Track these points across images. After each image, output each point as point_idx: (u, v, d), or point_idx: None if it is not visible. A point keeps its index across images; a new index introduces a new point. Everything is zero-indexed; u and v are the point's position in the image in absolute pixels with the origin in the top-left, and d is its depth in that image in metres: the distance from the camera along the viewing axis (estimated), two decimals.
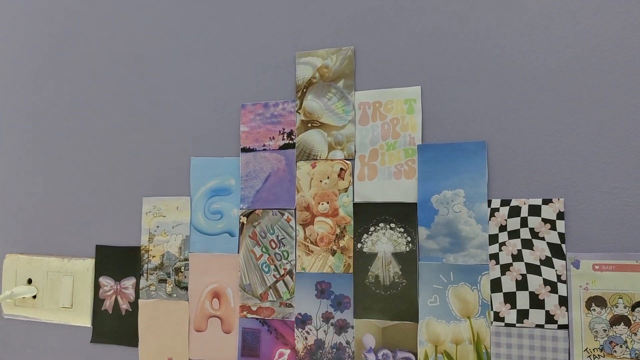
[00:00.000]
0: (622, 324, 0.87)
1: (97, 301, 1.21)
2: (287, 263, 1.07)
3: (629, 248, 0.87)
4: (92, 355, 1.20)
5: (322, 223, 1.05)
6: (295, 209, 1.07)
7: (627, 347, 0.86)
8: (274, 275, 1.08)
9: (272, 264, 1.08)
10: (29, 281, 1.26)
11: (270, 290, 1.08)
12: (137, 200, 1.19)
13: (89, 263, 1.22)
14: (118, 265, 1.20)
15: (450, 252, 0.96)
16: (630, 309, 0.87)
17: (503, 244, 0.93)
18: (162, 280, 1.16)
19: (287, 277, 1.07)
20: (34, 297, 1.25)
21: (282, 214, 1.08)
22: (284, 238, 1.08)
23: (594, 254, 0.88)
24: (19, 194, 1.30)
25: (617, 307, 0.87)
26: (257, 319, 1.08)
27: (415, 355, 0.97)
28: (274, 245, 1.08)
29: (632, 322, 0.86)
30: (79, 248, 1.23)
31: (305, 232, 1.06)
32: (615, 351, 0.87)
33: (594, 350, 0.88)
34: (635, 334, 0.86)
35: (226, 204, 1.12)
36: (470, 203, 0.96)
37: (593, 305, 0.88)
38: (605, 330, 0.87)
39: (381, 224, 1.01)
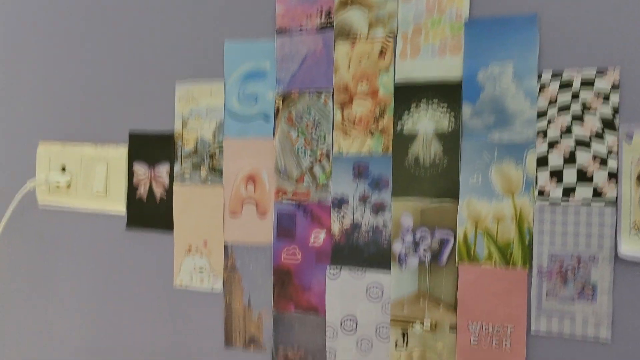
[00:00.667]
0: None
1: (132, 188, 1.20)
2: (324, 146, 1.05)
3: None
4: (127, 241, 1.21)
5: (360, 104, 1.02)
6: (332, 90, 1.04)
7: None
8: (310, 158, 1.06)
9: (308, 148, 1.06)
10: (63, 169, 1.26)
11: (306, 173, 1.06)
12: (170, 86, 1.16)
13: (123, 150, 1.21)
14: (152, 151, 1.18)
15: (495, 129, 0.93)
16: None
17: (552, 119, 0.90)
18: (196, 166, 1.14)
19: (324, 161, 1.05)
20: (69, 186, 1.25)
21: (319, 96, 1.05)
22: (320, 121, 1.05)
23: None
24: (52, 81, 1.28)
25: None
26: (292, 202, 1.07)
27: (455, 233, 0.96)
28: (310, 128, 1.06)
29: None
30: (112, 135, 1.22)
31: (343, 113, 1.03)
32: None
33: None
34: None
35: (261, 88, 1.09)
36: (519, 78, 0.91)
37: None
38: None
39: (423, 103, 0.98)
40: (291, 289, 1.07)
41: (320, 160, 1.05)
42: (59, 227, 1.27)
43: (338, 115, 1.03)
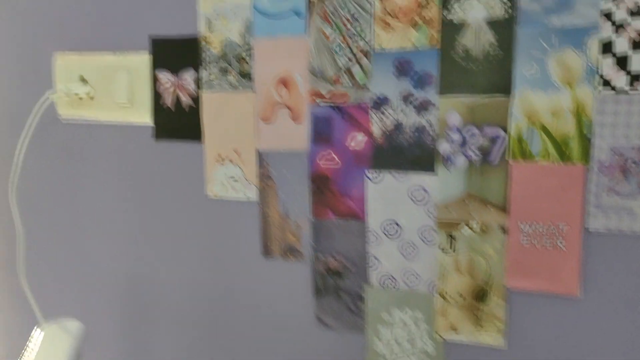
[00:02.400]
0: None
1: (157, 97, 1.13)
2: (363, 42, 0.96)
3: None
4: (155, 153, 1.15)
5: None
6: None
7: None
8: (347, 56, 0.97)
9: (346, 44, 0.97)
10: (82, 80, 1.18)
11: (344, 73, 0.98)
12: None
13: (144, 57, 1.12)
14: (176, 57, 1.10)
15: (554, 12, 0.84)
16: None
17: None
18: (224, 71, 1.06)
19: (363, 58, 0.96)
20: (91, 97, 1.18)
21: None
22: (358, 14, 0.95)
23: None
24: None
25: None
26: (329, 105, 1.00)
27: (506, 130, 0.89)
28: (347, 23, 0.96)
29: None
30: (132, 42, 1.13)
31: (383, 4, 0.94)
32: None
33: None
34: None
35: None
36: None
37: None
38: None
39: None
40: (329, 195, 1.02)
41: (358, 58, 0.97)
42: (83, 141, 1.21)
43: (378, 6, 0.94)
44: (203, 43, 1.07)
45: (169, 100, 1.12)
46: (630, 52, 0.81)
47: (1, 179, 1.29)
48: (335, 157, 1.01)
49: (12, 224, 1.22)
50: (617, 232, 0.85)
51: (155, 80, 1.12)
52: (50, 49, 1.20)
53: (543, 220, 0.89)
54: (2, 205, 1.30)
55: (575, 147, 0.85)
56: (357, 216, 1.01)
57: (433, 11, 0.90)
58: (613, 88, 0.82)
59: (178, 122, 1.11)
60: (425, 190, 0.95)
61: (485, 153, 0.91)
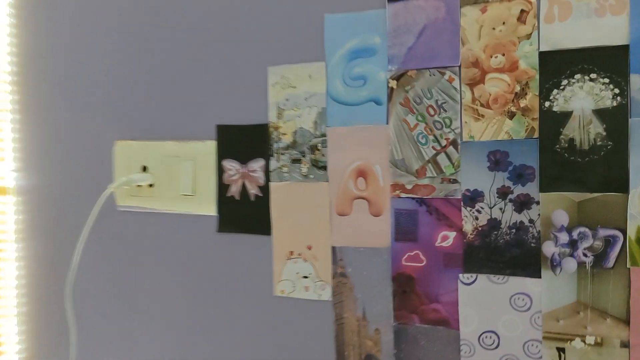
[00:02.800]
0: None
1: (222, 187, 1.06)
2: (450, 132, 0.88)
3: None
4: (219, 246, 1.07)
5: (495, 80, 0.84)
6: (459, 66, 0.86)
7: None
8: (433, 147, 0.89)
9: (431, 134, 0.89)
10: (144, 169, 1.13)
11: (429, 164, 0.90)
12: (261, 71, 1.01)
13: (210, 145, 1.06)
14: (243, 146, 1.04)
15: None
16: None
17: None
18: (296, 160, 0.99)
19: (451, 148, 0.88)
20: (151, 185, 1.12)
21: (443, 74, 0.88)
22: (445, 102, 0.88)
23: None
24: (128, 74, 1.14)
25: None
26: (413, 198, 0.91)
27: (624, 232, 0.78)
28: (432, 112, 0.89)
29: None
30: (197, 130, 1.08)
31: (473, 93, 0.86)
32: None
33: None
34: None
35: (370, 67, 0.93)
36: None
37: None
38: None
39: (577, 76, 0.80)
40: (414, 298, 0.92)
41: (445, 149, 0.88)
42: (142, 232, 1.14)
43: (467, 96, 0.86)
44: (273, 131, 1.01)
45: (235, 190, 1.05)
46: None
47: (59, 276, 1.22)
48: (421, 255, 0.91)
49: (65, 322, 1.15)
50: None
51: (221, 169, 1.06)
52: (112, 138, 1.16)
53: None
54: (57, 301, 1.23)
55: None
56: (447, 323, 0.90)
57: (531, 100, 0.82)
58: None
59: (244, 214, 1.04)
60: (528, 297, 0.84)
61: (599, 256, 0.80)
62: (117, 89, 1.15)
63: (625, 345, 0.79)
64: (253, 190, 1.03)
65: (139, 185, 1.12)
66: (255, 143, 1.02)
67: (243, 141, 1.04)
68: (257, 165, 1.03)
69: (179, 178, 1.09)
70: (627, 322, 0.78)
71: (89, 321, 1.20)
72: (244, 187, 1.04)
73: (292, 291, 1.01)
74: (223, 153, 1.06)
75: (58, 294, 1.21)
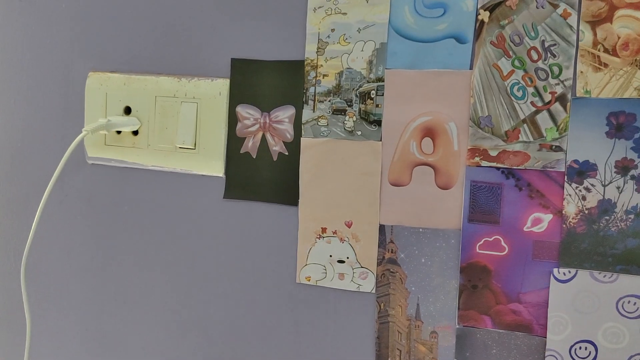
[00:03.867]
0: None
1: (234, 140, 0.81)
2: (558, 84, 0.67)
3: None
4: (226, 216, 0.82)
5: (628, 19, 0.64)
6: None
7: None
8: (532, 102, 0.68)
9: (531, 86, 0.68)
10: (127, 110, 0.86)
11: (525, 125, 0.68)
12: None
13: (222, 85, 0.80)
14: (267, 88, 0.79)
15: None
16: None
17: None
18: (339, 111, 0.76)
19: (556, 105, 0.67)
20: (135, 133, 0.85)
21: (556, 6, 0.66)
22: (555, 44, 0.66)
23: None
24: None
25: None
26: (497, 168, 0.70)
27: None
28: (536, 57, 0.67)
29: None
30: (204, 63, 0.81)
31: (595, 34, 0.65)
32: None
33: None
34: None
35: None
36: None
37: None
38: None
39: None
40: (488, 295, 0.71)
41: (549, 106, 0.67)
42: (122, 194, 0.87)
43: (587, 36, 0.65)
44: (310, 71, 0.76)
45: (251, 146, 0.80)
46: None
47: (12, 251, 0.93)
48: (503, 242, 0.70)
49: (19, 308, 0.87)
50: None
51: (234, 117, 0.80)
52: (85, 69, 0.87)
53: None
54: (9, 282, 0.94)
55: None
56: (530, 328, 0.70)
57: None
58: None
59: (262, 176, 0.79)
60: None
61: None
62: (94, 2, 0.86)
63: None
64: (276, 147, 0.79)
65: (119, 132, 0.85)
66: (285, 85, 0.78)
67: (267, 82, 0.78)
68: (284, 114, 0.78)
69: (176, 125, 0.82)
70: None
71: (50, 310, 0.92)
72: (264, 141, 0.79)
73: (322, 279, 0.78)
74: (238, 96, 0.80)
75: (11, 273, 0.93)
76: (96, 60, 0.86)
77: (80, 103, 0.87)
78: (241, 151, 0.80)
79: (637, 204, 0.65)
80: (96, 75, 0.86)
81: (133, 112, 0.84)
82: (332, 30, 0.75)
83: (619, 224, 0.65)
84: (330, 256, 0.77)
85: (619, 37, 0.64)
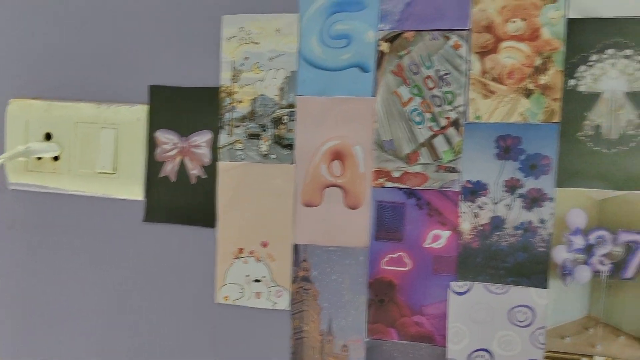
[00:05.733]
0: None
1: (154, 165, 0.80)
2: (452, 110, 0.70)
3: None
4: (146, 240, 0.81)
5: (512, 50, 0.67)
6: (469, 30, 0.69)
7: None
8: (429, 127, 0.71)
9: (428, 112, 0.71)
10: (47, 137, 0.84)
11: (424, 148, 0.71)
12: (213, 20, 0.77)
13: (140, 111, 0.80)
14: (185, 114, 0.79)
15: None
16: None
17: None
18: (254, 136, 0.76)
19: (451, 130, 0.70)
20: (56, 158, 0.84)
21: (448, 38, 0.69)
22: (448, 74, 0.70)
23: None
24: (29, 10, 0.85)
25: None
26: (400, 188, 0.72)
27: None
28: (431, 85, 0.70)
29: None
30: (123, 90, 0.81)
31: (484, 64, 0.68)
32: None
33: None
34: None
35: (357, 24, 0.72)
36: None
37: None
38: None
39: (610, 51, 0.65)
40: (394, 308, 0.73)
41: (445, 130, 0.70)
42: (43, 218, 0.85)
43: (477, 66, 0.69)
44: (225, 97, 0.77)
45: (170, 170, 0.80)
46: None
47: None
48: (406, 258, 0.72)
49: None
50: None
51: (153, 142, 0.80)
52: (6, 95, 0.85)
53: None
54: None
55: None
56: (432, 339, 0.71)
57: (553, 76, 0.66)
58: None
59: (181, 199, 0.79)
60: (531, 310, 0.68)
61: (617, 265, 0.65)
62: (16, 31, 0.85)
63: None
64: (195, 171, 0.79)
65: (39, 158, 0.83)
66: (202, 111, 0.78)
67: (185, 108, 0.79)
68: (202, 139, 0.78)
69: (96, 151, 0.81)
70: None
71: None
72: (182, 166, 0.79)
73: (239, 298, 0.78)
74: (157, 121, 0.80)
75: None
76: (17, 88, 0.85)
77: (0, 130, 0.85)
78: (160, 175, 0.80)
79: (525, 221, 0.68)
80: (17, 102, 0.84)
81: (54, 138, 0.83)
82: (246, 58, 0.76)
83: (509, 239, 0.68)
84: (247, 276, 0.77)
85: (504, 67, 0.67)
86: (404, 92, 0.71)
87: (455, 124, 0.69)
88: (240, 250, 0.77)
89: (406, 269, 0.72)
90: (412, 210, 0.71)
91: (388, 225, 0.72)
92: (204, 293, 0.79)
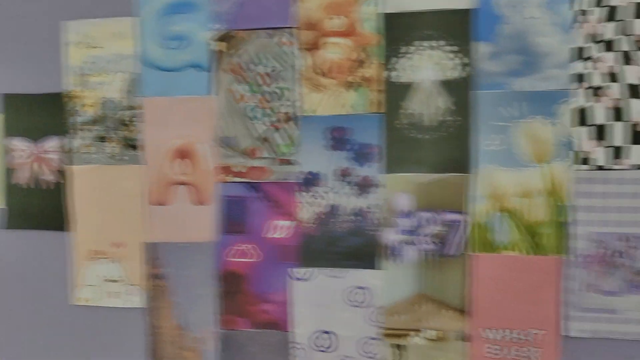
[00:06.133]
0: None
1: (10, 172, 0.80)
2: (287, 104, 0.72)
3: None
4: (6, 246, 0.81)
5: (335, 46, 0.70)
6: (294, 28, 0.71)
7: None
8: (267, 122, 0.73)
9: (265, 107, 0.73)
10: None
11: (263, 143, 0.73)
12: (55, 27, 0.77)
13: None
14: (35, 120, 0.79)
15: (519, 75, 0.66)
16: None
17: (594, 59, 0.64)
18: (102, 138, 0.77)
19: (288, 124, 0.73)
20: None
21: (277, 36, 0.72)
22: (280, 70, 0.72)
23: None
24: None
25: None
26: (243, 182, 0.74)
27: (467, 215, 0.68)
28: (266, 81, 0.73)
29: None
30: None
31: (311, 59, 0.71)
32: None
33: None
34: None
35: (191, 25, 0.74)
36: (550, 3, 0.65)
37: None
38: None
39: (423, 43, 0.68)
40: (242, 299, 0.74)
41: (281, 124, 0.73)
42: None
43: (304, 63, 0.71)
44: (71, 102, 0.77)
45: (25, 177, 0.79)
46: (609, 122, 0.64)
47: None
48: (252, 250, 0.74)
49: None
50: (602, 338, 0.66)
51: (7, 150, 0.80)
52: None
53: (514, 326, 0.68)
54: None
55: (549, 235, 0.66)
56: (280, 326, 0.74)
57: (373, 69, 0.69)
58: (592, 165, 0.65)
59: (37, 205, 0.79)
60: (367, 291, 0.71)
61: (441, 243, 0.69)
62: None
63: (464, 338, 0.69)
64: (49, 177, 0.79)
65: None
66: (50, 117, 0.78)
67: (36, 115, 0.79)
68: (51, 144, 0.78)
69: None
70: (466, 313, 0.69)
71: None
72: (37, 172, 0.79)
73: (95, 298, 0.78)
74: (10, 129, 0.80)
75: None
76: None
77: None
78: (18, 182, 0.80)
79: (357, 207, 0.71)
80: None
81: None
82: (89, 62, 0.76)
83: (344, 225, 0.71)
84: (103, 277, 0.78)
85: (330, 62, 0.70)
86: (242, 89, 0.73)
87: (290, 118, 0.72)
88: (95, 252, 0.77)
89: (252, 260, 0.73)
90: (255, 204, 0.73)
91: (233, 219, 0.74)
92: (60, 296, 0.79)
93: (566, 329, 0.66)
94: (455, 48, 0.67)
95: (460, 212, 0.68)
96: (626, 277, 0.65)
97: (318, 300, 0.72)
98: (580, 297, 0.66)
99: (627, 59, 0.63)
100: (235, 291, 0.74)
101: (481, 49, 0.66)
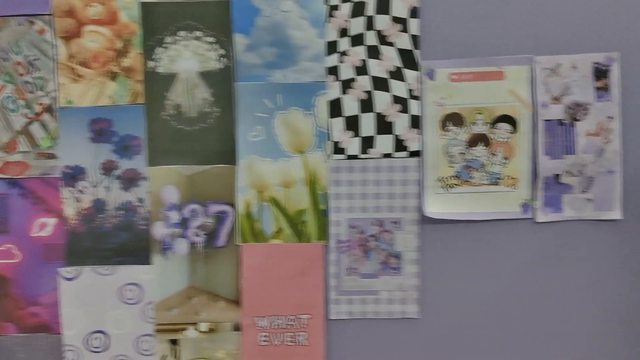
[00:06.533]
0: (481, 144, 0.67)
1: None
2: (45, 95, 0.68)
3: (491, 51, 0.66)
4: None
5: (94, 34, 0.67)
6: (51, 15, 0.67)
7: (485, 172, 0.67)
8: (24, 114, 0.68)
9: (22, 98, 0.68)
10: None
11: (21, 136, 0.68)
12: None
13: None
14: None
15: (277, 67, 0.67)
16: (490, 125, 0.67)
17: (344, 53, 0.66)
18: None
19: (46, 116, 0.68)
20: None
21: (32, 23, 0.67)
22: (37, 59, 0.68)
23: (451, 61, 0.66)
24: None
25: (475, 124, 0.67)
26: (2, 179, 0.69)
27: (234, 206, 0.69)
28: (22, 71, 0.68)
29: (492, 141, 0.67)
30: None
31: (70, 48, 0.68)
32: (472, 177, 0.67)
33: (448, 178, 0.67)
34: (495, 155, 0.67)
35: None
36: None
37: (449, 124, 0.67)
38: (463, 153, 0.67)
39: (182, 33, 0.67)
40: (9, 303, 0.70)
41: (40, 116, 0.68)
42: None
43: (63, 51, 0.67)
44: None
45: None
46: (359, 113, 0.67)
47: None
48: (15, 249, 0.69)
49: None
50: (362, 318, 0.69)
51: None
52: None
53: (283, 312, 0.69)
54: None
55: (311, 223, 0.68)
56: (51, 328, 0.70)
57: (134, 59, 0.67)
58: (345, 154, 0.67)
59: None
60: (139, 287, 0.69)
61: (210, 235, 0.69)
62: None
63: (237, 328, 0.69)
64: None
65: None
66: None
67: None
68: None
69: None
70: (238, 303, 0.69)
71: None
72: None
73: None
74: None
75: None
76: None
77: None
78: None
79: (125, 201, 0.69)
80: None
81: None
82: None
83: (111, 220, 0.69)
84: None
85: (89, 51, 0.67)
86: None
87: (49, 109, 0.68)
88: None
89: (16, 260, 0.69)
90: (17, 200, 0.68)
91: None
92: None
93: (329, 313, 0.68)
94: (214, 39, 0.66)
95: (227, 204, 0.68)
96: (380, 259, 0.68)
97: (88, 299, 0.69)
98: (340, 281, 0.68)
99: (372, 52, 0.66)
100: (1, 294, 0.69)
101: (239, 40, 0.66)
